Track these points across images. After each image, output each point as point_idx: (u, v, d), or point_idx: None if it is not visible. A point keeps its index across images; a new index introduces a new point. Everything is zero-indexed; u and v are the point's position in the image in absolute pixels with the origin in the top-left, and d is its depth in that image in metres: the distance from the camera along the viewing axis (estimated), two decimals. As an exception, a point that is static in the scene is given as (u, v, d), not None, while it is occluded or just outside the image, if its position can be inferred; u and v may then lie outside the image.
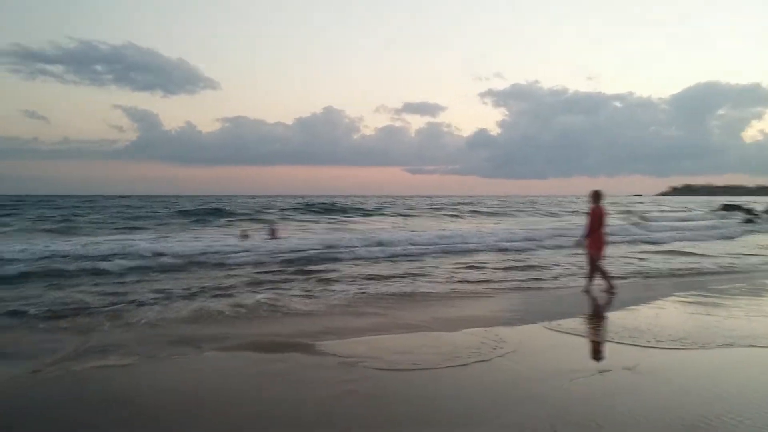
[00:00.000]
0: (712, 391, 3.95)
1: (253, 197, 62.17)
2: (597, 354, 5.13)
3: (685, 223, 25.45)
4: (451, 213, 38.35)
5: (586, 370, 4.43)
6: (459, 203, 46.73)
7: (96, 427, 3.32)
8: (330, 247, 13.85)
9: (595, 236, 8.89)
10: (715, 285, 9.08)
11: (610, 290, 8.73)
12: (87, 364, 4.59)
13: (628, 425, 3.26)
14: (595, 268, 9.01)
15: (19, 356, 4.90)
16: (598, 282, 8.93)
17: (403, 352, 4.91)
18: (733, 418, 3.37)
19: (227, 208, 37.22)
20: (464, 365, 4.55)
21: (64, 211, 33.00)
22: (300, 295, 7.74)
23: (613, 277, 9.02)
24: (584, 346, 5.38)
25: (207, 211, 32.47)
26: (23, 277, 9.33)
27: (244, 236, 17.26)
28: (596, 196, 8.97)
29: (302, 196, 62.63)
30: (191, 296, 7.61)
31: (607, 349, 5.22)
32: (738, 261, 12.40)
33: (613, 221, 20.24)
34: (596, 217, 8.84)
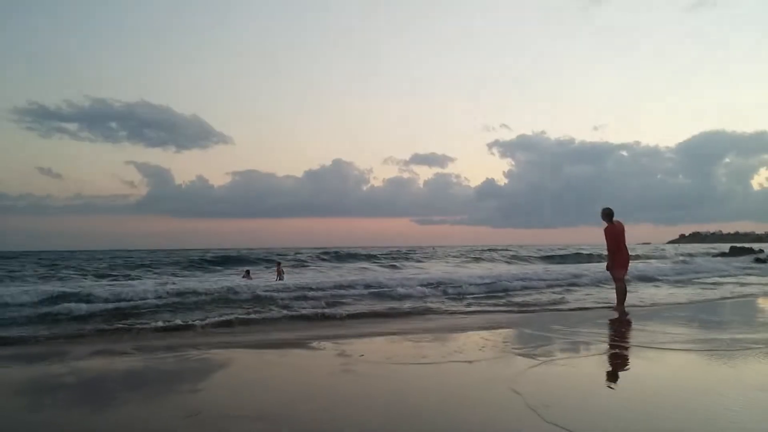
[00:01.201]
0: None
1: (263, 249, 62.06)
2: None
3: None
4: (483, 258, 38.02)
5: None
6: (483, 251, 47.53)
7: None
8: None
9: (614, 255, 8.83)
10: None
11: (619, 311, 8.63)
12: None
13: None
14: (621, 285, 8.93)
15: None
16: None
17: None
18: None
19: (234, 255, 37.08)
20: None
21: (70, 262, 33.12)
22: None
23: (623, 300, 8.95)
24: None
25: (213, 260, 32.19)
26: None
27: (247, 277, 17.57)
28: (605, 215, 8.92)
29: (314, 248, 62.40)
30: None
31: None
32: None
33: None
34: (611, 236, 8.81)
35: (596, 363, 5.09)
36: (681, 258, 26.67)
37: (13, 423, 3.50)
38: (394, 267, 27.06)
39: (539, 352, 5.40)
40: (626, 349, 5.77)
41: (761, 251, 34.47)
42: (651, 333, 6.58)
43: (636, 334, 6.79)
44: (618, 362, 5.16)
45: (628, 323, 7.68)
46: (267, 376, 4.84)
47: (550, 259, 36.36)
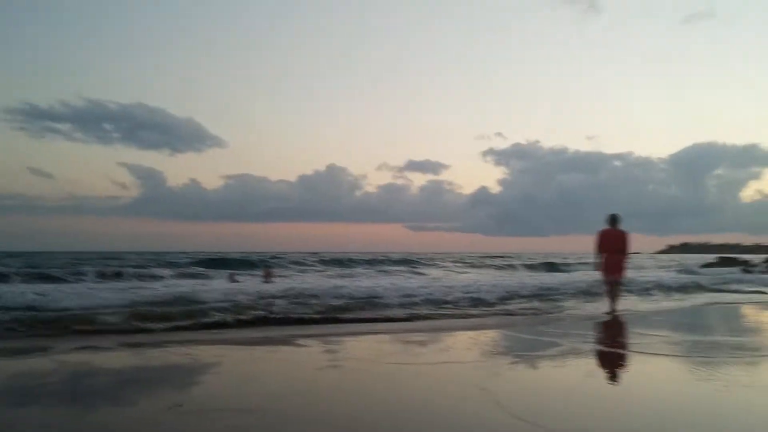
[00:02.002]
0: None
1: (255, 252, 61.45)
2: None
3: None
4: (482, 264, 38.08)
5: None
6: (479, 258, 47.83)
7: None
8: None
9: (603, 258, 8.99)
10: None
11: (607, 313, 8.75)
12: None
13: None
14: (609, 288, 9.05)
15: None
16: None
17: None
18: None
19: (222, 258, 36.64)
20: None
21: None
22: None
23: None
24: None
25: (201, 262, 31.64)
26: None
27: (233, 281, 17.07)
28: (609, 219, 9.12)
29: (306, 252, 62.07)
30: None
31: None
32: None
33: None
34: (600, 240, 8.96)
35: (572, 364, 5.12)
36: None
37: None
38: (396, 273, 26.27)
39: (525, 353, 5.44)
40: (606, 350, 5.83)
41: (747, 262, 34.84)
42: (639, 336, 6.65)
43: (621, 337, 6.86)
44: (595, 363, 5.22)
45: (615, 326, 7.77)
46: (253, 371, 4.84)
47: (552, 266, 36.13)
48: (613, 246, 9.01)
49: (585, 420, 3.24)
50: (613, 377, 4.63)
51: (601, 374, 4.78)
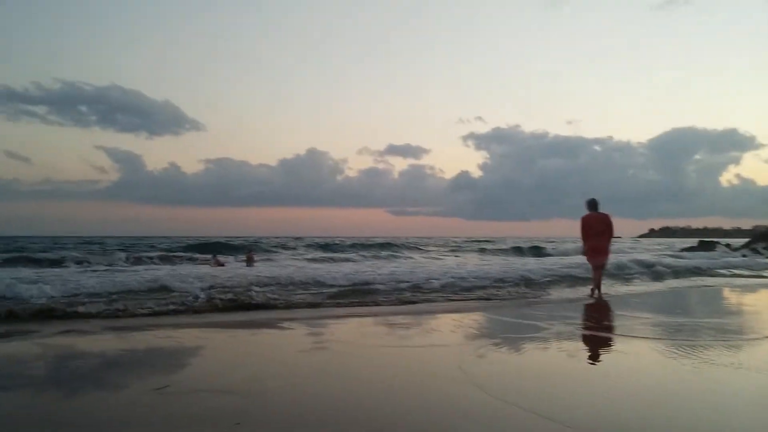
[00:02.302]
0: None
1: (237, 237, 61.15)
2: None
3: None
4: (464, 249, 38.23)
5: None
6: (462, 242, 48.28)
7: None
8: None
9: (586, 243, 9.14)
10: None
11: (592, 295, 8.97)
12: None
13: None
14: (595, 272, 9.24)
15: None
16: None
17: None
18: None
19: (206, 242, 36.53)
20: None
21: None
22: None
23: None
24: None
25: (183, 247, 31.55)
26: None
27: (218, 264, 17.08)
28: (586, 204, 9.36)
29: (289, 237, 61.93)
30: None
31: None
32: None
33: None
34: (584, 225, 9.12)
35: (555, 346, 5.22)
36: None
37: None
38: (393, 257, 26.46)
39: (507, 335, 5.54)
40: (589, 333, 5.95)
41: (728, 245, 35.48)
42: (622, 318, 6.80)
43: (605, 320, 7.01)
44: (578, 346, 5.34)
45: (600, 309, 7.92)
46: (237, 354, 4.88)
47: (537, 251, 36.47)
48: (597, 230, 9.15)
49: (567, 400, 3.33)
50: (595, 358, 4.74)
51: (584, 356, 4.89)
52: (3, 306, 7.23)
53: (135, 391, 3.51)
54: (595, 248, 9.18)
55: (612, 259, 10.87)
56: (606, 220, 9.19)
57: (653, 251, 30.00)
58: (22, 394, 3.55)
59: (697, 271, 15.90)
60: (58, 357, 4.75)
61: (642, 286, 11.57)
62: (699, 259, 20.17)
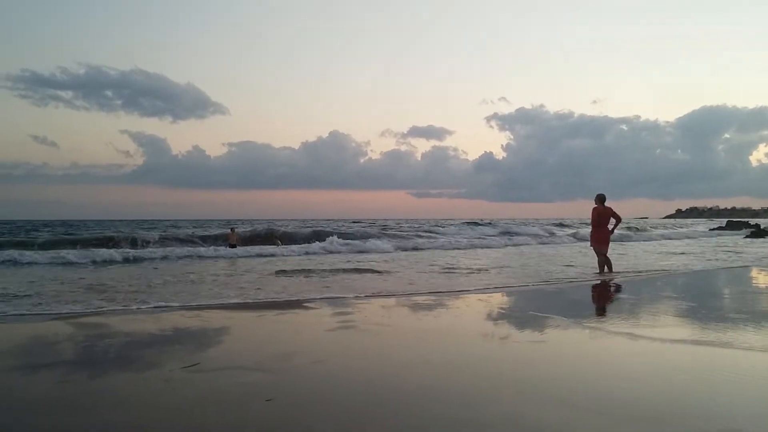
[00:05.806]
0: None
1: (261, 219, 61.65)
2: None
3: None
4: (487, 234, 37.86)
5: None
6: (486, 224, 48.35)
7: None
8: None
9: (595, 232, 9.47)
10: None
11: (602, 277, 9.18)
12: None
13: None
14: (601, 258, 9.54)
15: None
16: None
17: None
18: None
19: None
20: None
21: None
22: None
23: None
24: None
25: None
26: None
27: (234, 236, 18.16)
28: (597, 199, 10.24)
29: (311, 220, 62.26)
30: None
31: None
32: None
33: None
34: (594, 216, 9.42)
35: (570, 332, 5.17)
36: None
37: (12, 380, 3.58)
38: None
39: (526, 321, 5.51)
40: (598, 316, 5.88)
41: (758, 225, 34.66)
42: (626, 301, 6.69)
43: (611, 303, 6.93)
44: (595, 331, 5.28)
45: (609, 292, 7.85)
46: (264, 333, 4.94)
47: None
48: (605, 221, 10.04)
49: (586, 388, 3.30)
50: (610, 346, 4.68)
51: (603, 340, 4.83)
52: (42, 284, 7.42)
53: (165, 368, 3.58)
54: (600, 239, 10.08)
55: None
56: (610, 212, 10.05)
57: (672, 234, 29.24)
58: (54, 373, 3.63)
59: None
60: (88, 337, 4.85)
61: (647, 269, 11.36)
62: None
